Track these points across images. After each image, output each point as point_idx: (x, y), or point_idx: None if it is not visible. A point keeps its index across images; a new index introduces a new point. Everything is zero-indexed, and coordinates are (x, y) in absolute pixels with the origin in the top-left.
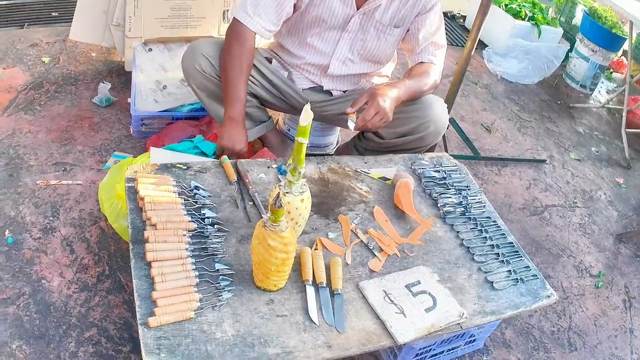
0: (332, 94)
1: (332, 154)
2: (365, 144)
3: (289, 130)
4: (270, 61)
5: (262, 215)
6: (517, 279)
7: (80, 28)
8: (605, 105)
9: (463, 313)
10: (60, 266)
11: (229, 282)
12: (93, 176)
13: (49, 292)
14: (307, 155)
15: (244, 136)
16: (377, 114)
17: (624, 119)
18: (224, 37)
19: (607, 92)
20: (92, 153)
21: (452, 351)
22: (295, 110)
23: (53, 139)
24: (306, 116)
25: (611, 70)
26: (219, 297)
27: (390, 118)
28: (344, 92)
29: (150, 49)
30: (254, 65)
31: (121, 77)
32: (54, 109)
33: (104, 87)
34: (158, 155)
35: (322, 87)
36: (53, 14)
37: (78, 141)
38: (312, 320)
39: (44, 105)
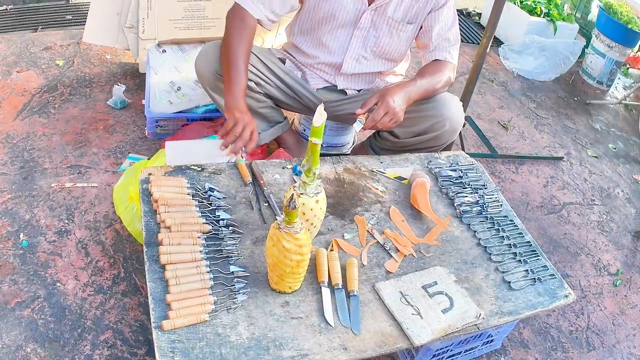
0: (346, 93)
1: (348, 154)
2: (381, 143)
3: (305, 130)
4: (283, 62)
5: (277, 217)
6: (534, 278)
7: (94, 30)
8: (622, 102)
9: (480, 314)
10: (75, 269)
11: (243, 285)
12: (108, 178)
13: (64, 295)
14: (323, 155)
15: (248, 113)
16: (387, 114)
17: None
18: None
19: (623, 88)
20: (107, 155)
21: (469, 352)
22: (309, 110)
23: (68, 142)
24: (319, 117)
25: (627, 66)
26: (233, 300)
27: (401, 118)
28: (359, 91)
29: (164, 50)
30: (268, 66)
31: (135, 79)
32: (68, 111)
33: (119, 89)
34: (173, 149)
35: (337, 86)
36: (67, 17)
37: (93, 143)
38: (327, 322)
39: (59, 108)
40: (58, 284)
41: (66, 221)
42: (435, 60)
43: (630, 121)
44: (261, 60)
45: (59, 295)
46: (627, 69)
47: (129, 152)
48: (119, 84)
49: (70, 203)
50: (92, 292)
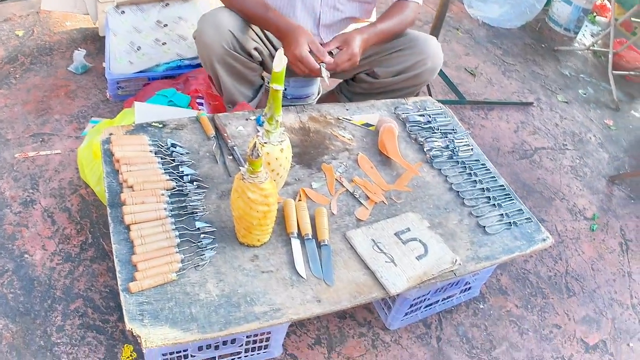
0: (332, 53)
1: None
2: (355, 87)
3: (285, 89)
4: None
5: (240, 167)
6: (510, 222)
7: None
8: (591, 48)
9: (456, 260)
10: (42, 239)
11: (210, 240)
12: (71, 144)
13: (32, 267)
14: (287, 106)
15: (298, 28)
16: (349, 60)
17: (610, 61)
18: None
19: (591, 35)
20: (70, 121)
21: (447, 300)
22: (295, 74)
23: (29, 111)
24: (280, 61)
25: (594, 13)
26: (201, 257)
27: (357, 62)
28: (338, 48)
29: (122, 12)
30: (268, 36)
31: (96, 42)
32: (29, 81)
33: (79, 54)
34: (142, 109)
35: (322, 42)
36: None
37: (55, 110)
38: (299, 275)
39: (20, 78)
40: (26, 256)
41: (31, 191)
42: (399, 1)
43: (599, 67)
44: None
45: (28, 267)
46: (594, 16)
47: (91, 116)
48: (79, 49)
49: (35, 172)
50: (61, 260)
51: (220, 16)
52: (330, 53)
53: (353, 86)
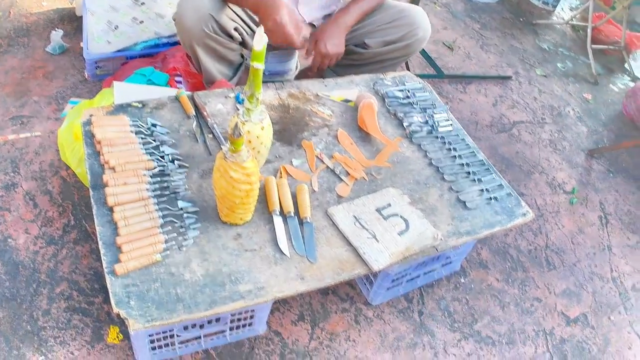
0: (315, 26)
1: (292, 80)
2: (342, 59)
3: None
4: None
5: (222, 147)
6: (490, 197)
7: None
8: (569, 22)
9: (438, 234)
10: (24, 222)
11: (193, 220)
12: (51, 125)
13: (16, 251)
14: (266, 82)
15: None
16: (324, 58)
17: (589, 35)
18: None
19: (570, 9)
20: (49, 102)
21: (428, 274)
22: (280, 48)
23: (8, 93)
24: (260, 39)
25: None
26: (184, 237)
27: (341, 52)
28: (324, 18)
29: None
30: (249, 14)
31: (73, 22)
32: (7, 63)
33: (56, 35)
34: (121, 89)
35: (304, 20)
36: None
37: (33, 92)
38: (282, 253)
39: None
40: (9, 240)
41: (12, 174)
42: None
43: (578, 41)
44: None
45: (11, 251)
46: None
47: (70, 97)
48: (56, 29)
49: (15, 155)
50: (44, 244)
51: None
52: (312, 25)
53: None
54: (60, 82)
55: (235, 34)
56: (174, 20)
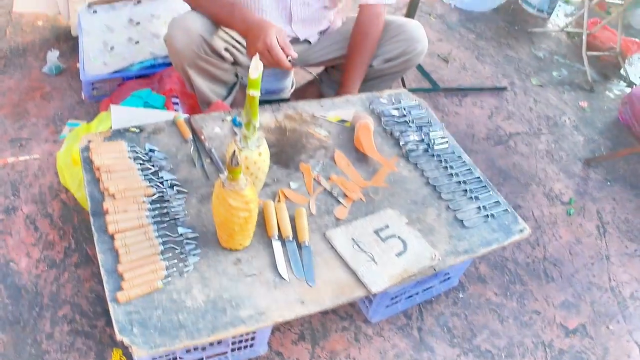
0: (310, 42)
1: (288, 99)
2: (339, 75)
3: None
4: None
5: (220, 174)
6: (487, 215)
7: None
8: (564, 29)
9: (435, 255)
10: (26, 246)
11: (193, 246)
12: (50, 148)
13: (18, 275)
14: (262, 102)
15: (261, 20)
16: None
17: (584, 42)
18: None
19: (565, 16)
20: (47, 124)
21: (427, 290)
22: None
23: (5, 115)
24: (256, 67)
25: None
26: (185, 263)
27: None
28: (319, 33)
29: (95, 11)
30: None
31: (69, 42)
32: (4, 84)
33: (53, 55)
34: (119, 113)
35: (298, 38)
36: None
37: (31, 114)
38: (282, 277)
39: None
40: (11, 264)
41: (12, 197)
42: (366, 4)
43: (573, 48)
44: None
45: (14, 275)
46: None
47: (67, 119)
48: (52, 49)
49: (15, 178)
50: (46, 267)
51: (189, 20)
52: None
53: (336, 74)
54: (57, 103)
55: (227, 55)
56: (165, 41)
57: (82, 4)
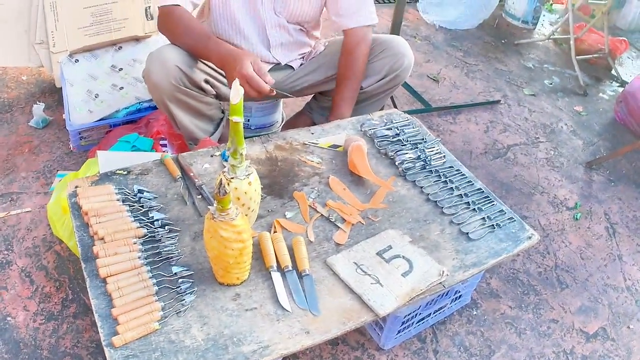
0: (293, 68)
1: (277, 132)
2: (328, 101)
3: (248, 120)
4: None
5: (209, 207)
6: (493, 225)
7: (4, 53)
8: (551, 37)
9: (443, 271)
10: (22, 300)
11: (189, 284)
12: (41, 200)
13: (16, 329)
14: (252, 137)
15: (234, 50)
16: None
17: (572, 47)
18: (153, 35)
19: (550, 24)
20: (37, 177)
21: (439, 312)
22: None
23: None
24: (236, 93)
25: (551, 2)
26: (181, 302)
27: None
28: (301, 58)
29: (76, 60)
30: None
31: (54, 94)
32: None
33: (38, 108)
34: (106, 158)
35: (280, 63)
36: None
37: (21, 168)
38: (284, 308)
39: None
40: (8, 318)
41: (5, 252)
42: (350, 28)
43: (562, 55)
44: None
45: (11, 330)
46: (551, 5)
47: (57, 170)
48: (38, 102)
49: (7, 233)
50: (43, 320)
51: (165, 53)
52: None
53: (325, 101)
54: (46, 156)
55: (207, 87)
56: (143, 77)
57: (64, 54)
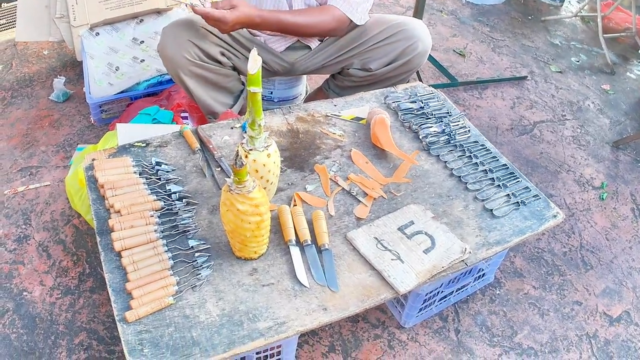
0: (310, 48)
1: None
2: (344, 80)
3: (271, 93)
4: None
5: (226, 179)
6: (517, 202)
7: (26, 28)
8: (578, 14)
9: (466, 248)
10: (39, 274)
11: (206, 258)
12: (60, 174)
13: (33, 304)
14: (274, 109)
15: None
16: (219, 20)
17: (599, 25)
18: (174, 7)
19: (577, 1)
20: (57, 151)
21: (462, 290)
22: (276, 73)
23: (15, 145)
24: (254, 63)
25: None
26: (197, 276)
27: (223, 31)
28: (320, 41)
29: (97, 34)
30: (233, 36)
31: (75, 68)
32: (12, 114)
33: (59, 82)
34: (125, 131)
35: (277, 51)
36: (0, 22)
37: (41, 142)
38: (301, 284)
39: (2, 113)
40: (25, 293)
41: (24, 226)
42: (326, 5)
43: (589, 33)
44: None
45: (28, 304)
46: None
47: (77, 144)
48: (58, 76)
49: (26, 207)
50: (60, 294)
51: (177, 27)
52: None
53: (341, 80)
54: (67, 130)
55: (224, 59)
56: (158, 52)
57: (85, 27)
